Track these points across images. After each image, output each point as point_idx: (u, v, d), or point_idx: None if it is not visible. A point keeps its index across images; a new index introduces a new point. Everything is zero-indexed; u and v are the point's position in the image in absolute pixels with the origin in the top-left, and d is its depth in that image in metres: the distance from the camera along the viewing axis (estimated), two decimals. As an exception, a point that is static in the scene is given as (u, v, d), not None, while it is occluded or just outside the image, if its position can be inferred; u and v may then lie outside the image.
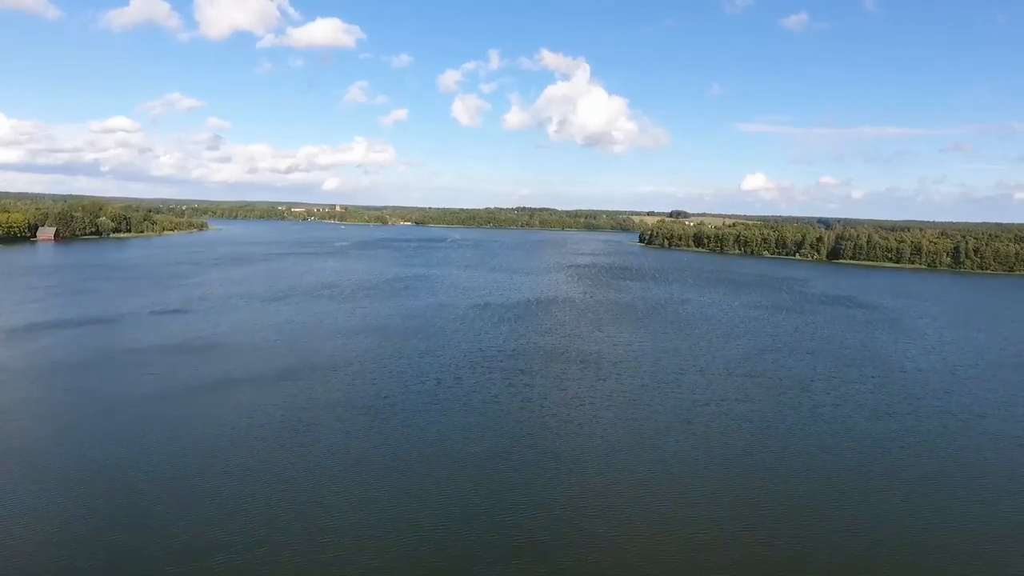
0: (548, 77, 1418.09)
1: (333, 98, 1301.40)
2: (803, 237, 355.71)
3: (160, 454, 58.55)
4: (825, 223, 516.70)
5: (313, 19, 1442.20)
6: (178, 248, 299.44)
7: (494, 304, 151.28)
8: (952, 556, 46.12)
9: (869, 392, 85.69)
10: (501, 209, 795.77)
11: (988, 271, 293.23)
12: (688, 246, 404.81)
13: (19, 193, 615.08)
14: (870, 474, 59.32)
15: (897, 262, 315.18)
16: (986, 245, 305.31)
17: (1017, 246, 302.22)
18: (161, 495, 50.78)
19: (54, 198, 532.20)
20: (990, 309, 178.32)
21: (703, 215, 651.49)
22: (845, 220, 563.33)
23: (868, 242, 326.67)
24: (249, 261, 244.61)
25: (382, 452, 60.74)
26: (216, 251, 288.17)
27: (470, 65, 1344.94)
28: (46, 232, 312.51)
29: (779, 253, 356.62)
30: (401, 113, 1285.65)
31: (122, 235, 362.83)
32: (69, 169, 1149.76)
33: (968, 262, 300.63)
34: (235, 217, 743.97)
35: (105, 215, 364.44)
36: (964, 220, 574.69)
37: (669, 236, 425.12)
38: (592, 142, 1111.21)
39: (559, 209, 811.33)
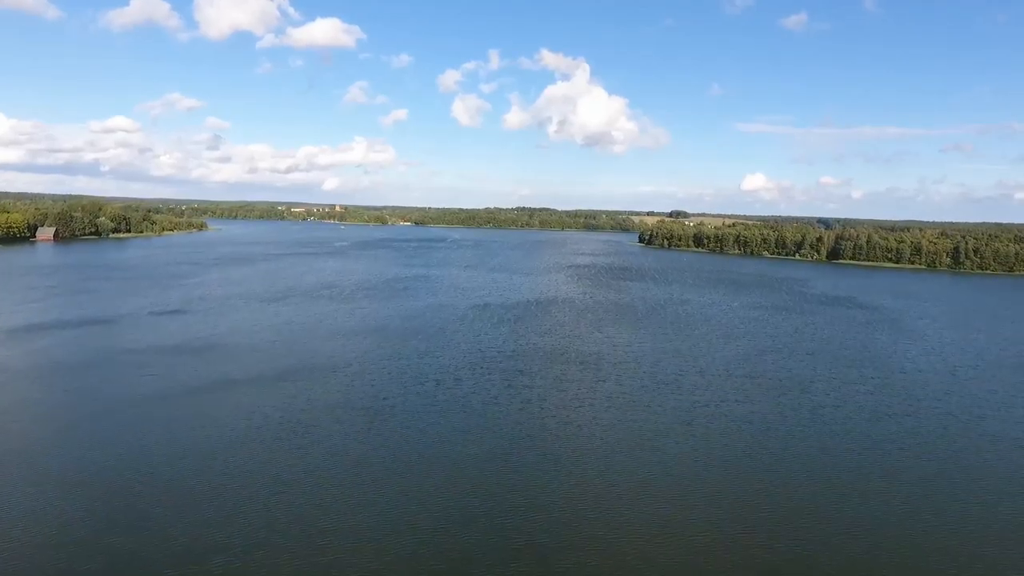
0: (548, 77, 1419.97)
1: (333, 98, 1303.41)
2: (803, 237, 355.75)
3: (159, 456, 58.44)
4: (825, 223, 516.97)
5: (313, 19, 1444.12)
6: (177, 248, 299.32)
7: (494, 305, 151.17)
8: (952, 558, 46.03)
9: (869, 393, 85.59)
10: (501, 209, 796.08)
11: (988, 271, 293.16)
12: (688, 246, 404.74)
13: (19, 193, 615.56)
14: (870, 476, 59.22)
15: (897, 262, 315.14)
16: (986, 245, 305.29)
17: (1017, 246, 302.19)
18: (159, 497, 50.67)
19: (54, 198, 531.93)
20: (990, 309, 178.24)
21: (703, 215, 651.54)
22: (845, 220, 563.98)
23: (868, 242, 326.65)
24: (248, 261, 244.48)
25: (381, 454, 60.63)
26: (215, 251, 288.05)
27: (470, 65, 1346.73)
28: (45, 232, 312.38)
29: (779, 253, 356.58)
30: (401, 113, 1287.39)
31: (121, 235, 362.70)
32: (69, 169, 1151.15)
33: (968, 262, 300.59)
34: (235, 217, 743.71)
35: (105, 215, 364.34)
36: (964, 220, 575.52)
37: (669, 236, 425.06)
38: (592, 142, 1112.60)
39: (559, 209, 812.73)
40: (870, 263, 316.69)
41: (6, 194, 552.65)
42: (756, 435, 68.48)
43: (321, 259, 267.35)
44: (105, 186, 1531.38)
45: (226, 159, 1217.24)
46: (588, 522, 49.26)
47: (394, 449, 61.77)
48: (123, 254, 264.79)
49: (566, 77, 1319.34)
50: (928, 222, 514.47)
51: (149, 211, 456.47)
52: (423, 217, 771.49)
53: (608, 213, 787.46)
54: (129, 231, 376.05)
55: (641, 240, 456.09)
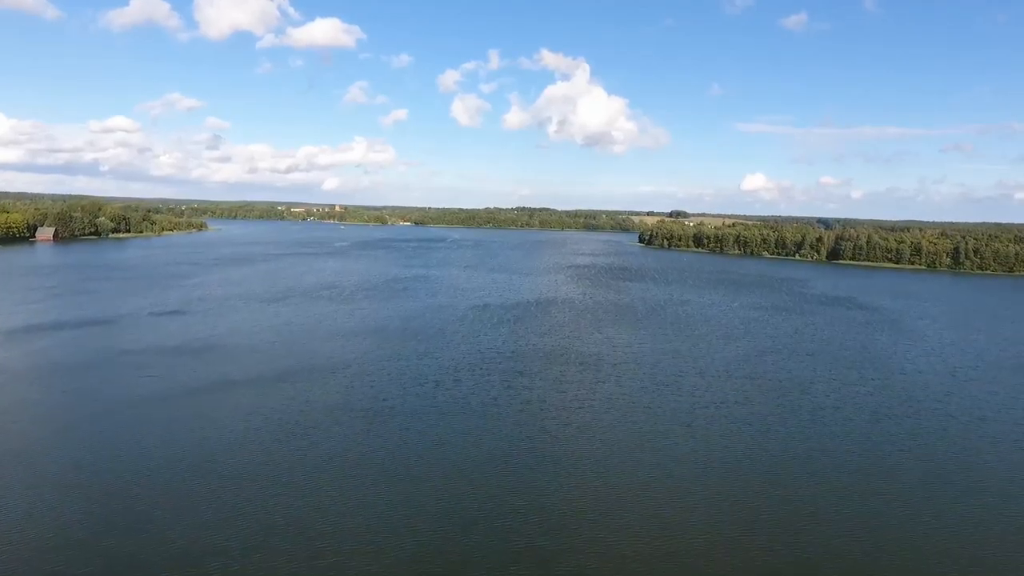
0: (548, 77, 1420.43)
1: (333, 98, 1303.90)
2: (803, 238, 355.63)
3: (157, 457, 58.28)
4: (825, 223, 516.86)
5: (313, 19, 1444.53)
6: (177, 248, 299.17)
7: (493, 305, 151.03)
8: (953, 560, 45.91)
9: (869, 394, 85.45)
10: (501, 209, 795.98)
11: (988, 272, 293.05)
12: (688, 246, 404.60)
13: (19, 193, 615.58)
14: (870, 477, 59.07)
15: (897, 263, 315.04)
16: (986, 246, 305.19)
17: (1017, 247, 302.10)
18: (158, 499, 50.52)
19: (54, 198, 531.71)
20: (990, 310, 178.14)
21: (703, 215, 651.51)
22: (845, 220, 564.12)
23: (868, 243, 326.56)
24: (248, 261, 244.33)
25: (380, 456, 60.48)
26: (215, 251, 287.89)
27: (470, 65, 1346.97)
28: (45, 232, 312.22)
29: (779, 253, 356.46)
30: (401, 113, 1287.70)
31: (121, 235, 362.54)
32: (69, 169, 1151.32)
33: (968, 263, 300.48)
34: (235, 217, 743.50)
35: (104, 215, 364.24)
36: (964, 220, 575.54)
37: (669, 236, 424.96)
38: (592, 142, 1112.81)
39: (559, 209, 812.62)
40: (870, 263, 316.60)
41: (6, 194, 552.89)
42: (756, 436, 68.35)
43: (321, 259, 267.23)
44: (105, 186, 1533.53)
45: (226, 159, 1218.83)
46: (588, 524, 49.12)
47: (393, 451, 61.62)
48: (122, 254, 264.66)
49: (566, 77, 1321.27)
50: (928, 222, 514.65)
51: (149, 211, 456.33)
52: (423, 217, 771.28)
53: (608, 213, 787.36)
54: (129, 231, 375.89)
55: (641, 240, 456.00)
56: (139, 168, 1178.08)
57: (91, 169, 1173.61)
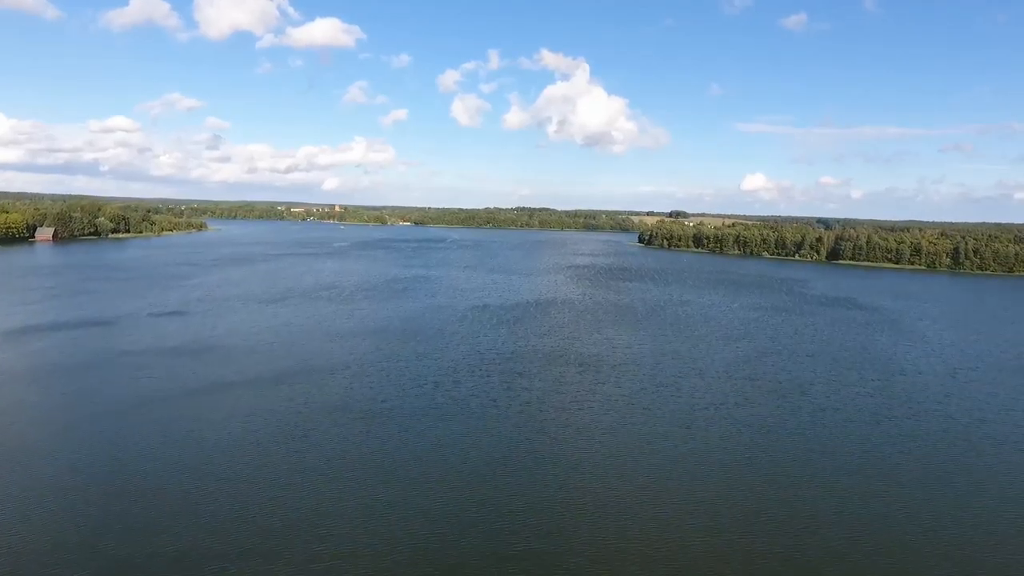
0: (548, 77, 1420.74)
1: (333, 98, 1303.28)
2: (803, 238, 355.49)
3: (155, 460, 58.11)
4: (824, 223, 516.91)
5: (313, 19, 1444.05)
6: (176, 249, 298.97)
7: (493, 306, 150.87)
8: (954, 563, 45.75)
9: (869, 396, 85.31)
10: (500, 209, 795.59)
11: (988, 272, 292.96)
12: (688, 247, 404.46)
13: (18, 193, 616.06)
14: (870, 479, 58.90)
15: (897, 263, 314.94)
16: (986, 246, 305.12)
17: (1017, 247, 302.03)
18: (154, 502, 50.34)
19: (53, 198, 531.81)
20: (990, 310, 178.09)
21: (702, 215, 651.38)
22: (844, 220, 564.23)
23: (868, 243, 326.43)
24: (247, 262, 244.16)
25: (379, 458, 60.32)
26: (214, 252, 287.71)
27: (470, 65, 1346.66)
28: (44, 233, 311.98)
29: (779, 254, 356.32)
30: (401, 113, 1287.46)
31: (121, 235, 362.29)
32: (68, 169, 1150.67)
33: (968, 263, 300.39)
34: (234, 217, 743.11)
35: (104, 215, 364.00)
36: (963, 220, 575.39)
37: (668, 236, 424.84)
38: (592, 142, 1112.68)
39: (559, 209, 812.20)
40: (870, 264, 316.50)
41: (5, 194, 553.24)
42: (756, 438, 68.20)
43: (320, 260, 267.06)
44: (105, 186, 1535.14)
45: (226, 159, 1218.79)
46: (587, 527, 48.95)
47: (392, 453, 61.46)
48: (122, 254, 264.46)
49: (566, 77, 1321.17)
50: (928, 222, 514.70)
51: (148, 211, 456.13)
52: (423, 217, 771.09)
53: (608, 213, 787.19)
54: (128, 231, 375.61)
55: (641, 240, 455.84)
56: (139, 168, 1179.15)
57: (91, 169, 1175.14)
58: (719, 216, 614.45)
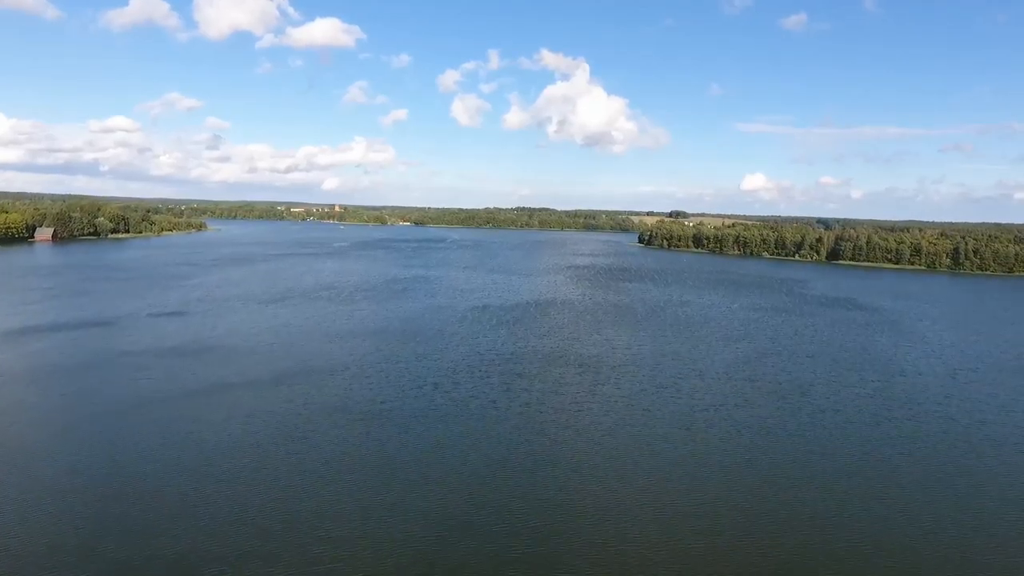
0: (548, 77, 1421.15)
1: (333, 98, 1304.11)
2: (802, 238, 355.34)
3: (154, 461, 57.99)
4: (824, 223, 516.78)
5: (313, 19, 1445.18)
6: (176, 249, 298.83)
7: (492, 306, 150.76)
8: (955, 565, 45.65)
9: (869, 397, 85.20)
10: (500, 209, 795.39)
11: (988, 272, 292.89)
12: (687, 247, 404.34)
13: (18, 192, 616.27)
14: (871, 481, 58.79)
15: (897, 263, 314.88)
16: (986, 246, 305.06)
17: (1017, 247, 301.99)
18: (153, 504, 50.22)
19: (53, 198, 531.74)
20: (990, 311, 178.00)
21: (702, 215, 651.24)
22: (844, 220, 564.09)
23: (868, 243, 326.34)
24: (247, 262, 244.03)
25: (378, 460, 60.20)
26: (214, 252, 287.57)
27: (470, 65, 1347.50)
28: (44, 233, 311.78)
29: (778, 254, 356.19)
30: (401, 113, 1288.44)
31: (120, 235, 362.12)
32: (68, 169, 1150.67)
33: (968, 263, 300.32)
34: (234, 217, 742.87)
35: (103, 215, 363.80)
36: (963, 220, 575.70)
37: (668, 237, 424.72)
38: (592, 142, 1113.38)
39: (558, 209, 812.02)
40: (870, 264, 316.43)
41: (5, 194, 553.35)
42: (756, 439, 68.09)
43: (320, 260, 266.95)
44: (105, 186, 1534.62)
45: (226, 159, 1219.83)
46: (586, 530, 48.83)
47: (391, 455, 61.35)
48: (121, 255, 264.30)
49: (566, 77, 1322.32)
50: (928, 222, 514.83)
51: (148, 211, 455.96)
52: (423, 217, 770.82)
53: (608, 213, 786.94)
54: (128, 231, 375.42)
55: (641, 240, 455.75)
56: (139, 168, 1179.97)
57: (91, 169, 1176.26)
58: (719, 216, 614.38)
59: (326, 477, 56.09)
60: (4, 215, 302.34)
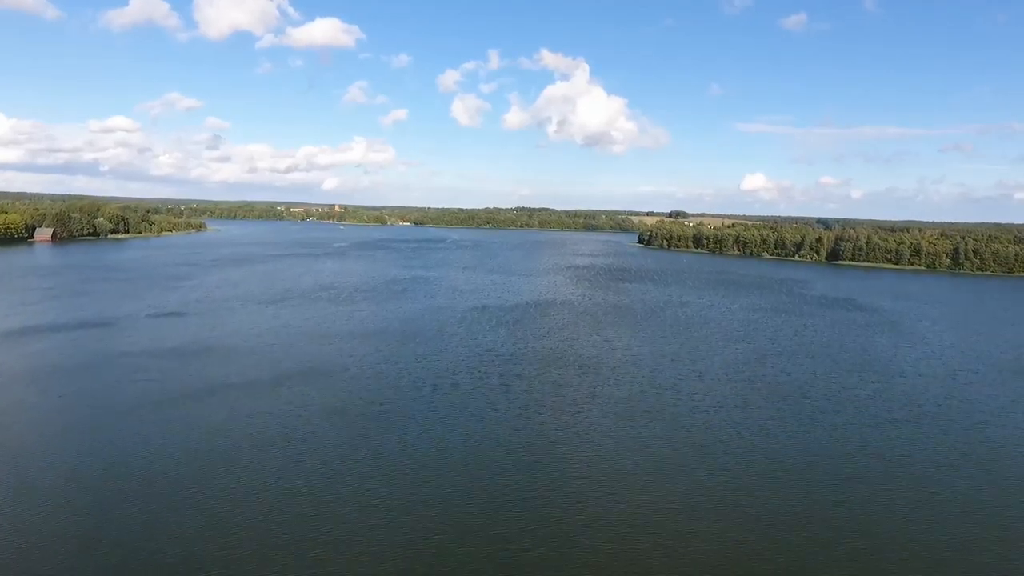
0: (548, 77, 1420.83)
1: (333, 98, 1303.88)
2: (802, 238, 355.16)
3: (152, 465, 57.83)
4: (824, 223, 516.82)
5: (313, 19, 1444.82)
6: (176, 249, 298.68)
7: (492, 307, 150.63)
8: (956, 566, 45.53)
9: (869, 398, 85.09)
10: (500, 209, 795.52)
11: (988, 272, 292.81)
12: (687, 247, 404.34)
13: (18, 192, 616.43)
14: (871, 484, 58.66)
15: (896, 263, 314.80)
16: (986, 247, 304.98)
17: (1016, 247, 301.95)
18: (151, 507, 50.07)
19: (53, 198, 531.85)
20: (990, 311, 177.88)
21: (702, 215, 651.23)
22: (844, 220, 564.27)
23: (867, 243, 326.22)
24: (247, 262, 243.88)
25: (377, 463, 60.08)
26: (214, 252, 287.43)
27: (470, 65, 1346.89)
28: (43, 233, 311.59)
29: (778, 254, 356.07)
30: (401, 113, 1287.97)
31: (120, 236, 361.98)
32: (68, 169, 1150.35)
33: (968, 263, 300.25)
34: (234, 217, 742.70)
35: (103, 216, 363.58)
36: (963, 220, 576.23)
37: (668, 237, 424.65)
38: (591, 142, 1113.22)
39: (558, 209, 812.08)
40: (870, 264, 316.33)
41: (5, 194, 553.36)
42: (756, 441, 67.96)
43: (320, 260, 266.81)
44: (104, 186, 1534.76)
45: (226, 159, 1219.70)
46: (586, 533, 48.70)
47: (390, 458, 61.21)
48: (121, 255, 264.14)
49: (566, 77, 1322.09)
50: (927, 222, 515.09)
51: (148, 211, 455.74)
52: (422, 217, 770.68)
53: (608, 213, 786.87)
54: (127, 232, 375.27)
55: (640, 241, 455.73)
56: (139, 168, 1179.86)
57: (91, 169, 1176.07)
58: (719, 216, 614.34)
59: (325, 479, 55.96)
60: (3, 215, 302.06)
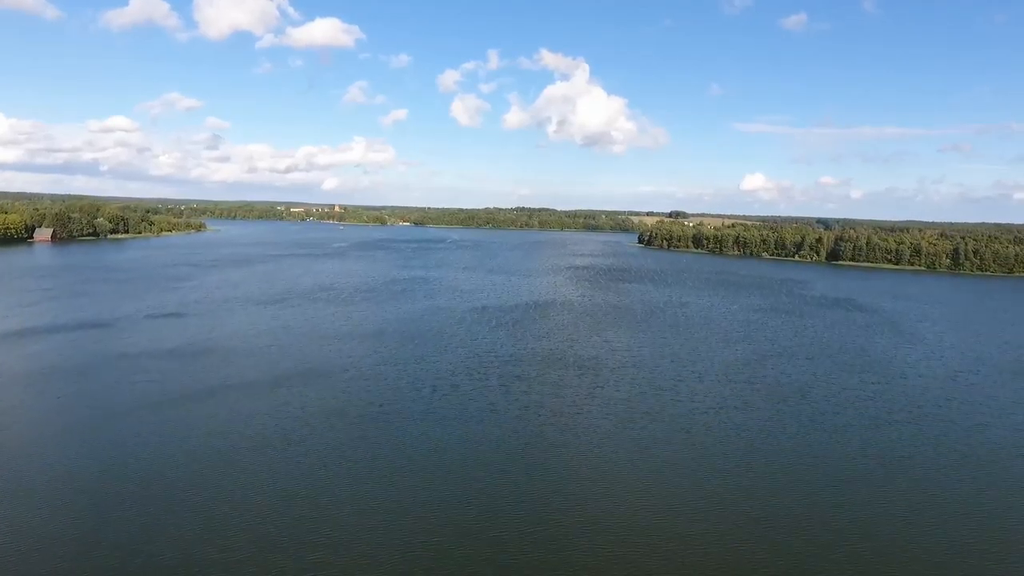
0: (547, 77, 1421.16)
1: (332, 98, 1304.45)
2: (802, 238, 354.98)
3: (150, 467, 57.67)
4: (824, 223, 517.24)
5: (312, 19, 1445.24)
6: (175, 250, 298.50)
7: (491, 307, 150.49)
8: (956, 568, 45.40)
9: (869, 399, 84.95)
10: (500, 209, 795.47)
11: (987, 273, 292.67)
12: (687, 247, 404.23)
13: (17, 192, 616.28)
14: (871, 486, 58.52)
15: (896, 264, 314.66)
16: (985, 247, 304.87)
17: (1016, 248, 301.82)
18: (149, 510, 49.92)
19: (52, 198, 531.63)
20: (990, 312, 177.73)
21: (702, 215, 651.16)
22: (844, 220, 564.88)
23: (867, 244, 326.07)
24: (246, 263, 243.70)
25: (376, 465, 59.93)
26: (213, 253, 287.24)
27: (469, 65, 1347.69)
28: (43, 233, 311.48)
29: (778, 254, 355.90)
30: (400, 113, 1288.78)
31: (119, 236, 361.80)
32: (68, 169, 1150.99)
33: (967, 264, 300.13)
34: (234, 217, 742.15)
35: (103, 216, 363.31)
36: (963, 220, 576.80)
37: (668, 237, 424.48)
38: (591, 142, 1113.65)
39: (558, 209, 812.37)
40: (870, 264, 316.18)
41: (5, 194, 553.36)
42: (755, 443, 67.81)
43: (319, 261, 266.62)
44: (104, 186, 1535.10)
45: (225, 159, 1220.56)
46: (585, 535, 48.54)
47: (389, 460, 61.06)
48: (121, 255, 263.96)
49: (565, 77, 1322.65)
50: (927, 222, 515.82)
51: (148, 211, 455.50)
52: (422, 217, 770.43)
53: (608, 213, 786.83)
54: (127, 232, 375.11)
55: (640, 241, 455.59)
56: (138, 168, 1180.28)
57: (90, 169, 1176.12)
58: (719, 216, 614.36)
59: (324, 481, 55.82)
60: (3, 215, 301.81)
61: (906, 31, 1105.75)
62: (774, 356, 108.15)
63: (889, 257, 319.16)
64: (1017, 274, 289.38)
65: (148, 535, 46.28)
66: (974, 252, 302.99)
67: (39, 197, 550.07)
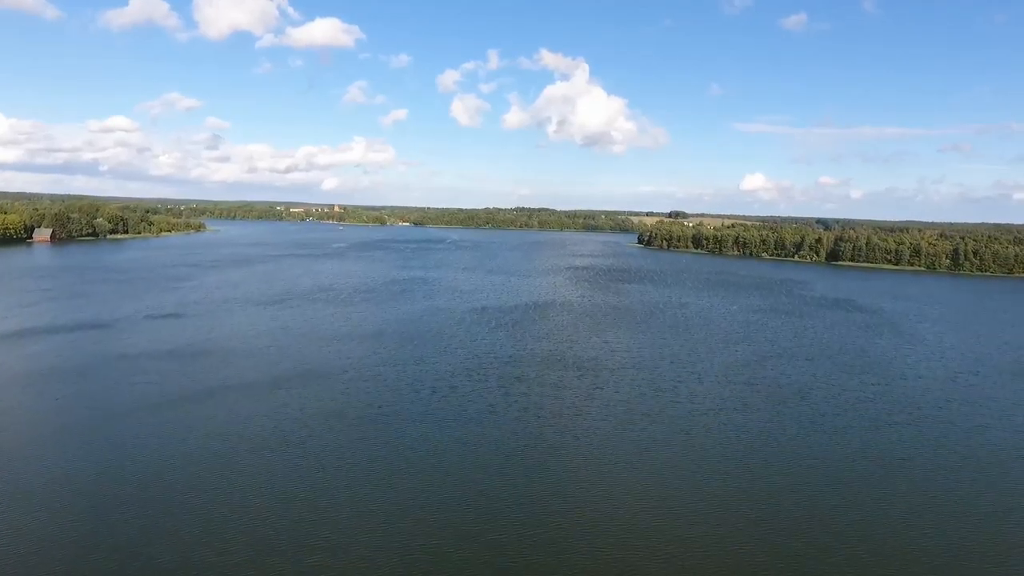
0: (547, 77, 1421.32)
1: (332, 98, 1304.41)
2: (802, 239, 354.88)
3: (148, 469, 57.55)
4: (824, 223, 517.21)
5: (312, 19, 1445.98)
6: (175, 250, 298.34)
7: (491, 308, 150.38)
8: (957, 570, 45.28)
9: (869, 400, 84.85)
10: (500, 209, 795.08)
11: (987, 273, 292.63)
12: (687, 247, 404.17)
13: (17, 192, 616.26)
14: (871, 487, 58.42)
15: (896, 264, 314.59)
16: (985, 247, 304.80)
17: (1016, 248, 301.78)
18: (148, 512, 49.81)
19: (52, 198, 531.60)
20: (990, 312, 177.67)
21: (702, 215, 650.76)
22: (844, 220, 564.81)
23: (867, 244, 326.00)
24: (245, 263, 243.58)
25: (374, 467, 59.82)
26: (213, 253, 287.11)
27: (469, 65, 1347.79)
28: (42, 233, 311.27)
29: (778, 255, 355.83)
30: (400, 113, 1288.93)
31: (119, 236, 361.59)
32: (68, 169, 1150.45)
33: (967, 264, 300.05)
34: (233, 217, 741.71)
35: (102, 216, 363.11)
36: (962, 220, 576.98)
37: (668, 237, 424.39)
38: (591, 142, 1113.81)
39: (558, 209, 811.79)
40: (869, 265, 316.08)
41: (4, 194, 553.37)
42: (755, 444, 67.72)
43: (319, 261, 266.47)
44: (104, 186, 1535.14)
45: (225, 159, 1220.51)
46: (585, 538, 48.44)
47: (387, 462, 60.95)
48: (120, 256, 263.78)
49: (565, 77, 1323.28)
50: (927, 222, 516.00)
51: (147, 212, 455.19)
52: (422, 217, 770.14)
53: (607, 213, 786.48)
54: (127, 232, 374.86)
55: (640, 241, 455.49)
56: (138, 168, 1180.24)
57: (90, 169, 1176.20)
58: (718, 216, 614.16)
59: (322, 483, 55.71)
60: (2, 216, 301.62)
61: (906, 31, 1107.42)
62: (774, 357, 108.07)
63: (889, 257, 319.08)
64: (1017, 274, 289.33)
65: (146, 537, 46.16)
66: (974, 252, 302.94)
67: (39, 197, 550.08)
